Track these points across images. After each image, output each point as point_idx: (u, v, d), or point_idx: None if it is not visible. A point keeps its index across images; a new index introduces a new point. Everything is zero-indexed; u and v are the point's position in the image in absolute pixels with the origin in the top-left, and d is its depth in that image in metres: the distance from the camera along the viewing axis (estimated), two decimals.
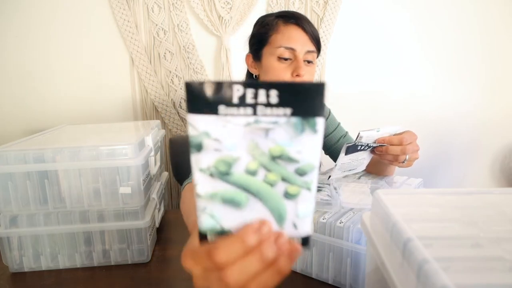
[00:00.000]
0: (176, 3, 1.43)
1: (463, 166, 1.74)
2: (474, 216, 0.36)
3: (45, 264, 0.71)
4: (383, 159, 0.70)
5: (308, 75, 0.84)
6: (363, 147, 0.69)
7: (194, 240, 0.31)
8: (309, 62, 0.84)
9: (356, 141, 0.69)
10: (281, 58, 0.83)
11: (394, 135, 0.74)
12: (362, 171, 0.92)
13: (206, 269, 0.28)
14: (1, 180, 0.66)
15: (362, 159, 0.76)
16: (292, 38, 0.82)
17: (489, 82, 1.65)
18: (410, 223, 0.34)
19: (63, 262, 0.71)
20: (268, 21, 0.87)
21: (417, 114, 1.66)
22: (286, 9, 1.47)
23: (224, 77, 1.50)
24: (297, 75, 0.81)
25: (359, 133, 0.69)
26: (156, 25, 1.44)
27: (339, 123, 1.07)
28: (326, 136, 1.05)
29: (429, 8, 1.56)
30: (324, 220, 0.61)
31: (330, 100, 1.58)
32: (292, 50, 0.82)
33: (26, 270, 0.71)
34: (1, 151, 0.66)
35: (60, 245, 0.71)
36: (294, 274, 0.66)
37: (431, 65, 1.62)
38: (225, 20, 1.45)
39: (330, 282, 0.62)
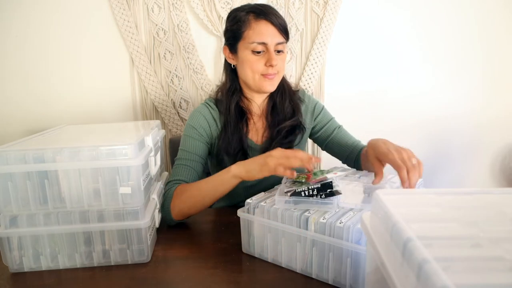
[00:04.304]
0: (176, 3, 1.43)
1: (463, 166, 1.74)
2: (474, 216, 0.36)
3: (45, 264, 0.71)
4: (405, 186, 0.70)
5: (280, 63, 0.95)
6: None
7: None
8: (279, 51, 0.95)
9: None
10: (254, 52, 0.93)
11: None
12: (362, 170, 0.92)
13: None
14: (1, 180, 0.66)
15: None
16: (263, 34, 0.91)
17: (489, 82, 1.65)
18: (410, 223, 0.34)
19: (63, 262, 0.71)
20: (240, 16, 0.94)
21: (417, 114, 1.66)
22: (286, 9, 1.47)
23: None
24: (270, 65, 0.92)
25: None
26: (156, 25, 1.44)
27: (332, 117, 1.10)
28: (321, 129, 1.08)
29: (429, 8, 1.56)
30: (324, 220, 0.61)
31: (329, 100, 1.59)
32: (264, 44, 0.92)
33: (26, 270, 0.71)
34: (1, 151, 0.66)
35: (60, 245, 0.71)
36: (294, 274, 0.66)
37: (431, 65, 1.62)
38: (225, 20, 1.45)
39: (330, 282, 0.62)
